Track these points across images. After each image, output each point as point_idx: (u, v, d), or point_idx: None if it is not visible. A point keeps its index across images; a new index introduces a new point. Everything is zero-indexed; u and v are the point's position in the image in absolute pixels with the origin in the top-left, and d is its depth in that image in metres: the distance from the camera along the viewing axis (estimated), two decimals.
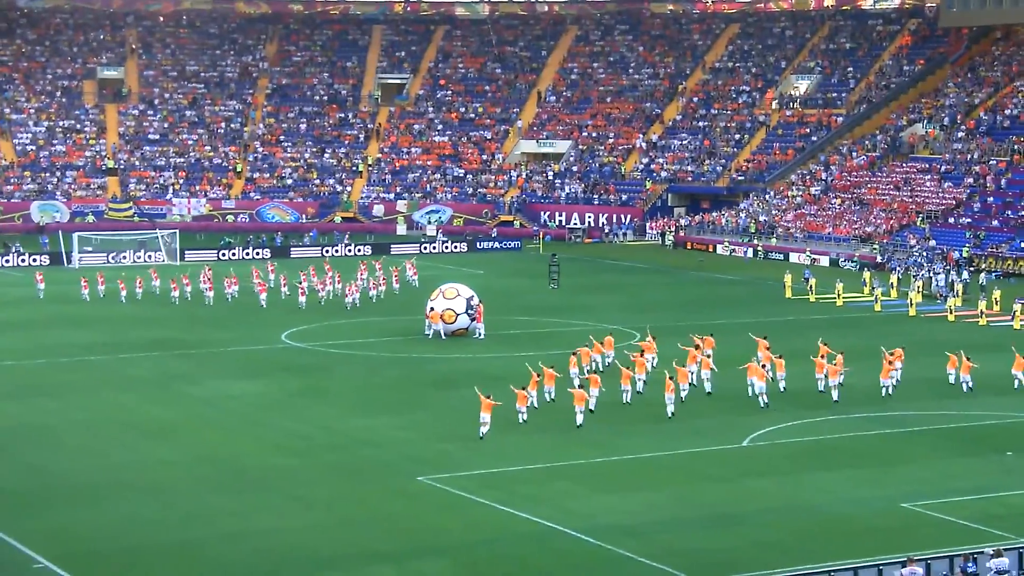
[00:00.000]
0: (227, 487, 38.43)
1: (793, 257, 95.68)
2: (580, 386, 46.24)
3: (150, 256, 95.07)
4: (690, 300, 77.04)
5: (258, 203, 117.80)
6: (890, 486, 38.33)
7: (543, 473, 39.84)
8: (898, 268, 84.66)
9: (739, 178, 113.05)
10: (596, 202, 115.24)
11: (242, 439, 44.10)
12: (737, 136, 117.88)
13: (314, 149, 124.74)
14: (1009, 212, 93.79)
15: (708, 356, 51.40)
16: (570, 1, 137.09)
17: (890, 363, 50.42)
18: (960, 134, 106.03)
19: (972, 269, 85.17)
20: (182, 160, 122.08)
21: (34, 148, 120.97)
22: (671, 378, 47.05)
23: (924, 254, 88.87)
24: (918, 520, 35.41)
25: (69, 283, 79.69)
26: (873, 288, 76.07)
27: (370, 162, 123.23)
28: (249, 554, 32.85)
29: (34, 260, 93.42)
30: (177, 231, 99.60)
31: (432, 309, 62.56)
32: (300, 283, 73.86)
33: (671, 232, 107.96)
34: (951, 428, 45.60)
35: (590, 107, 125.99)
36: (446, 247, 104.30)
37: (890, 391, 49.63)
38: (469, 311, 62.47)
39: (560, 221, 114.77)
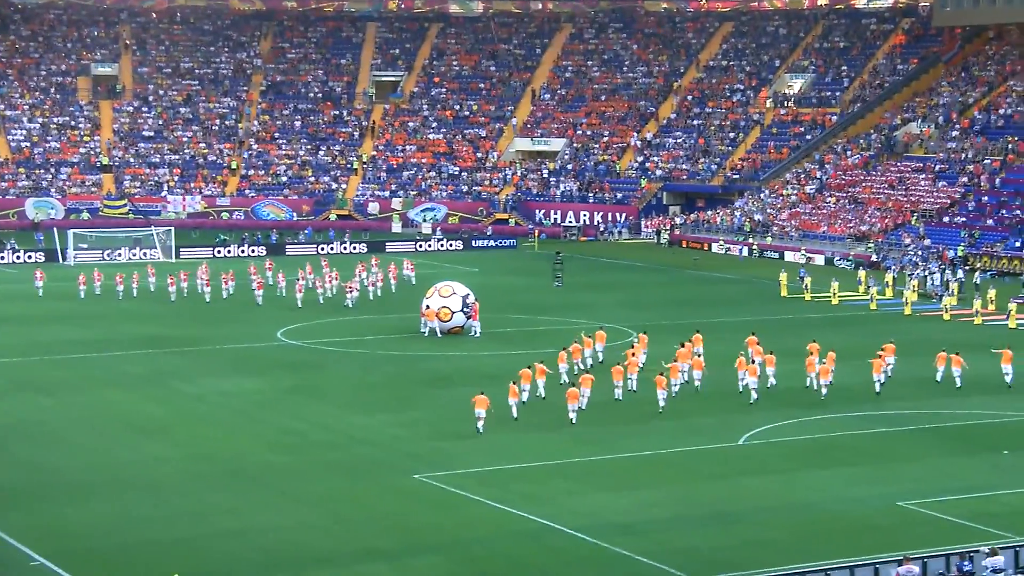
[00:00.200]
0: (222, 484, 38.40)
1: (788, 256, 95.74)
2: (572, 384, 46.29)
3: (145, 253, 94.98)
4: (685, 299, 77.07)
5: (253, 200, 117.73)
6: (886, 484, 38.37)
7: (539, 471, 39.85)
8: (893, 267, 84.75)
9: (734, 176, 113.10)
10: (591, 200, 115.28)
11: (237, 436, 44.07)
12: (731, 134, 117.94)
13: (309, 146, 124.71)
14: (1003, 211, 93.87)
15: (699, 355, 51.63)
16: None
17: (881, 357, 50.67)
18: (954, 133, 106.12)
19: (967, 268, 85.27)
20: (177, 157, 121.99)
21: (28, 145, 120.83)
22: (662, 375, 47.18)
23: (919, 253, 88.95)
24: (914, 518, 35.45)
25: (65, 280, 79.60)
26: (868, 287, 76.14)
27: (365, 159, 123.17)
28: (245, 551, 32.83)
29: (29, 257, 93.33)
30: (172, 228, 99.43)
31: (428, 307, 62.56)
32: (298, 281, 73.86)
33: (666, 230, 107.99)
34: (947, 427, 45.66)
35: (585, 105, 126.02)
36: (441, 245, 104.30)
37: (882, 382, 49.83)
38: (465, 309, 62.46)
39: (555, 219, 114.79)
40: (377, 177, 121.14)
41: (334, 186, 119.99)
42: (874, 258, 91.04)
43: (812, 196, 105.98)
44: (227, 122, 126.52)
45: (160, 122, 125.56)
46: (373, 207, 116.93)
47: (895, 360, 51.94)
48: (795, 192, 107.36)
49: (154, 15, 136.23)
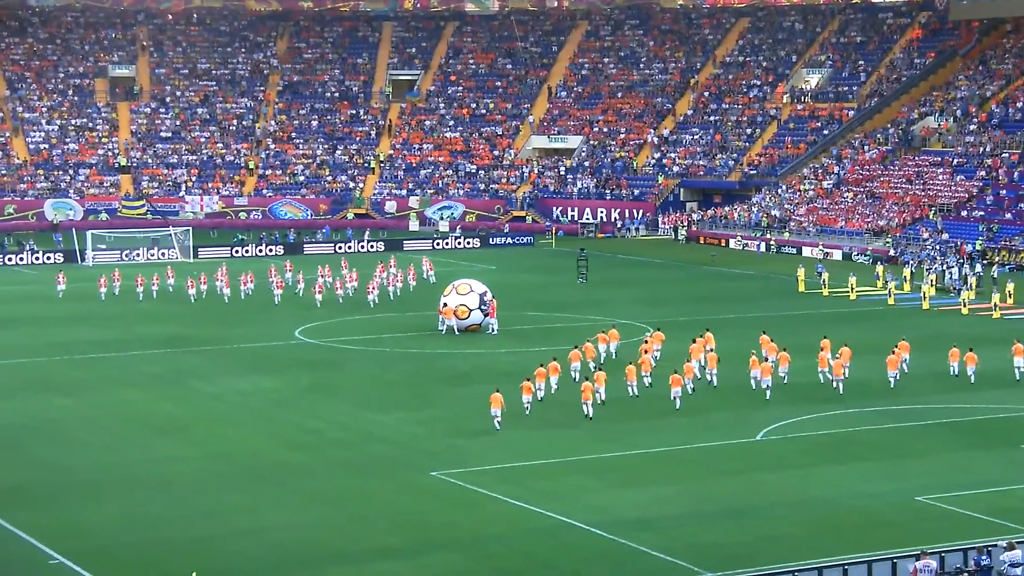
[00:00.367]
0: (239, 483, 38.52)
1: (806, 251, 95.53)
2: (586, 379, 46.38)
3: (163, 253, 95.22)
4: (703, 295, 76.98)
5: (270, 200, 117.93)
6: (903, 479, 38.32)
7: (556, 468, 39.88)
8: (911, 261, 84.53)
9: (751, 172, 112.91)
10: (608, 197, 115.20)
11: (254, 435, 44.18)
12: (748, 130, 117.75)
13: (326, 146, 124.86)
14: (1022, 205, 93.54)
15: (711, 351, 51.60)
16: None
17: (896, 354, 50.65)
18: (972, 127, 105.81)
19: (985, 262, 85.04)
20: (194, 158, 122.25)
21: (47, 147, 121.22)
22: (676, 372, 47.19)
23: (937, 247, 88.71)
24: (931, 513, 35.40)
25: (83, 281, 79.83)
26: (886, 282, 75.97)
27: (382, 158, 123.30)
28: (261, 549, 32.93)
29: (48, 258, 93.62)
30: (190, 228, 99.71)
31: (445, 305, 62.62)
32: (317, 280, 74.00)
33: (683, 227, 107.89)
34: (964, 421, 45.57)
35: (601, 102, 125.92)
36: (459, 243, 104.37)
37: (897, 378, 49.81)
38: (482, 307, 62.51)
39: (572, 216, 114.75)
40: (394, 176, 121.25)
41: (351, 185, 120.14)
42: (892, 253, 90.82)
43: (829, 191, 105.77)
44: (244, 122, 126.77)
45: (177, 123, 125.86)
46: (390, 206, 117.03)
47: (909, 357, 51.79)
48: (812, 187, 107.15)
49: (171, 16, 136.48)
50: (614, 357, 54.29)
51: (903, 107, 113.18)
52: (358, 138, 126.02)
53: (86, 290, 76.75)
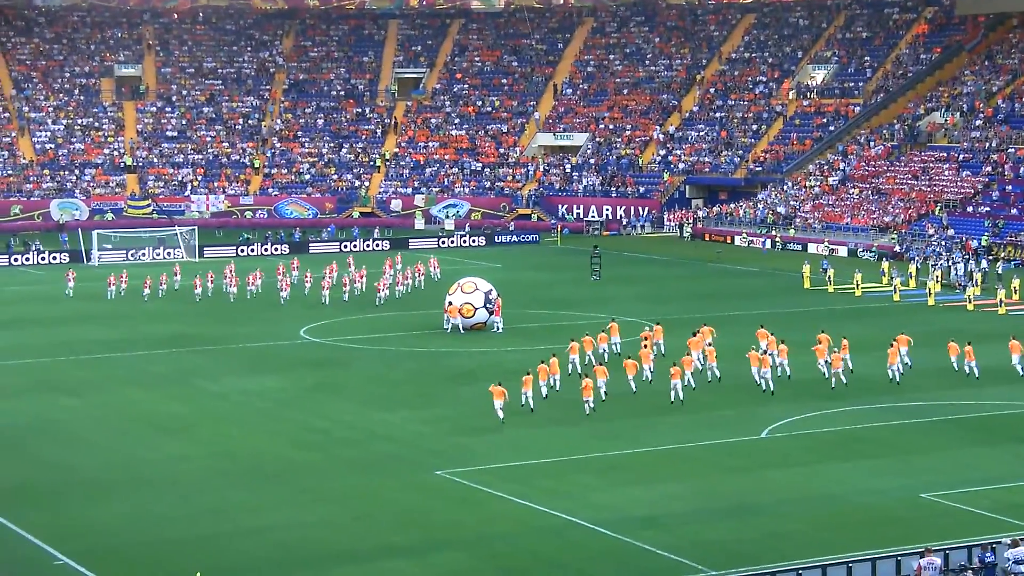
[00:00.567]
0: (244, 482, 38.54)
1: (811, 247, 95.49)
2: (586, 376, 46.39)
3: (169, 253, 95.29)
4: (708, 292, 76.93)
5: (276, 199, 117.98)
6: (908, 476, 38.28)
7: (561, 466, 39.87)
8: (917, 257, 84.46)
9: (756, 169, 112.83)
10: (614, 194, 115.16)
11: (260, 434, 44.20)
12: (754, 127, 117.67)
13: (331, 144, 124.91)
14: None
15: (710, 345, 51.55)
16: None
17: (894, 346, 50.61)
18: (978, 122, 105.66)
19: (991, 258, 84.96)
20: (200, 157, 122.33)
21: (53, 146, 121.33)
22: (676, 365, 47.21)
23: (943, 243, 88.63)
24: (936, 510, 35.38)
25: (90, 280, 79.91)
26: (892, 278, 75.88)
27: (387, 157, 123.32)
28: (267, 549, 32.94)
29: (54, 258, 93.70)
30: (196, 228, 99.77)
31: (450, 303, 62.63)
32: (324, 278, 74.02)
33: (689, 224, 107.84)
34: (968, 418, 45.51)
35: (607, 99, 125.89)
36: (464, 241, 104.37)
37: (901, 372, 49.79)
38: (487, 305, 62.50)
39: (578, 214, 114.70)
40: (400, 174, 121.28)
41: (357, 183, 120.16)
42: (897, 249, 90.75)
43: (835, 187, 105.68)
44: (250, 121, 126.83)
45: (183, 122, 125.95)
46: (396, 204, 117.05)
47: (908, 350, 51.68)
48: (818, 184, 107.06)
49: (176, 16, 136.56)
50: (617, 352, 54.25)
51: (909, 103, 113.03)
52: (364, 136, 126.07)
53: (92, 289, 76.82)
